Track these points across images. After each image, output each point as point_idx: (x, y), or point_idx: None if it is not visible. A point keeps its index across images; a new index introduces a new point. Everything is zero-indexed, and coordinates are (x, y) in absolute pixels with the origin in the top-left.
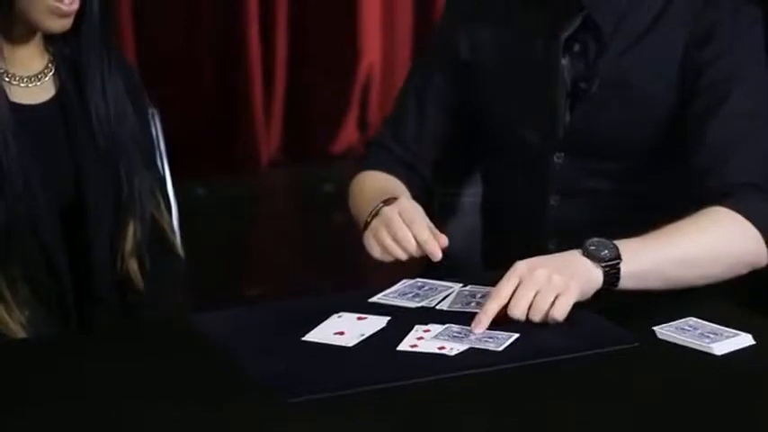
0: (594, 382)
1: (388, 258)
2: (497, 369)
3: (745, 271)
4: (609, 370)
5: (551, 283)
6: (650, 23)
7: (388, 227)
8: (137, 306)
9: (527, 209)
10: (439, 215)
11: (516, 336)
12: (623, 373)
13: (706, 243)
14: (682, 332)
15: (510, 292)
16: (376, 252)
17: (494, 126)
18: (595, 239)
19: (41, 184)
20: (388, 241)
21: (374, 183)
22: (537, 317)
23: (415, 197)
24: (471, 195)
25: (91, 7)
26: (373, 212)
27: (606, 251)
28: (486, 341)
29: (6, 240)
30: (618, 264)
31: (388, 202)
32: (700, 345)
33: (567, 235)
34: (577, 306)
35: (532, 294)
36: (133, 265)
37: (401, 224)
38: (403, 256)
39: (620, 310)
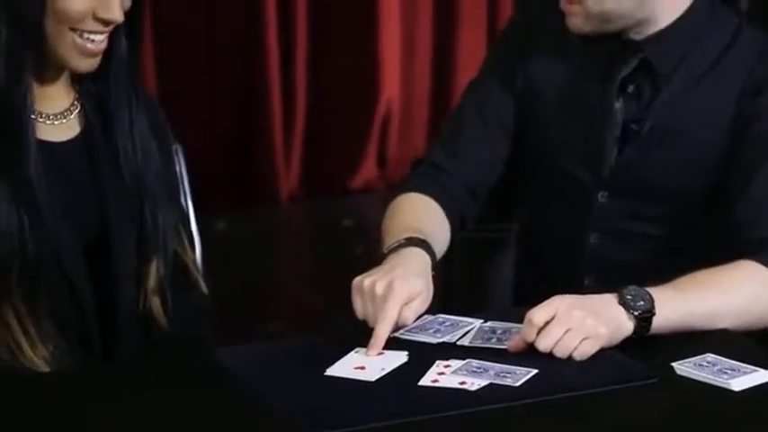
0: (613, 418)
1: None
2: (517, 404)
3: (764, 327)
4: (627, 406)
5: (583, 326)
6: (706, 70)
7: (373, 295)
8: (159, 342)
9: (566, 244)
10: (466, 252)
11: (535, 371)
12: (642, 408)
13: (734, 302)
14: (700, 368)
15: (543, 322)
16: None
17: (543, 158)
18: (633, 288)
19: (67, 220)
20: (361, 309)
21: (409, 210)
22: (560, 353)
23: (457, 226)
24: (501, 232)
25: (119, 46)
26: (391, 247)
27: (642, 302)
28: (505, 376)
29: (32, 275)
30: (651, 316)
31: (409, 241)
32: (718, 381)
33: (604, 272)
34: None
35: (563, 332)
36: (156, 302)
37: (380, 301)
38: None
39: (638, 346)
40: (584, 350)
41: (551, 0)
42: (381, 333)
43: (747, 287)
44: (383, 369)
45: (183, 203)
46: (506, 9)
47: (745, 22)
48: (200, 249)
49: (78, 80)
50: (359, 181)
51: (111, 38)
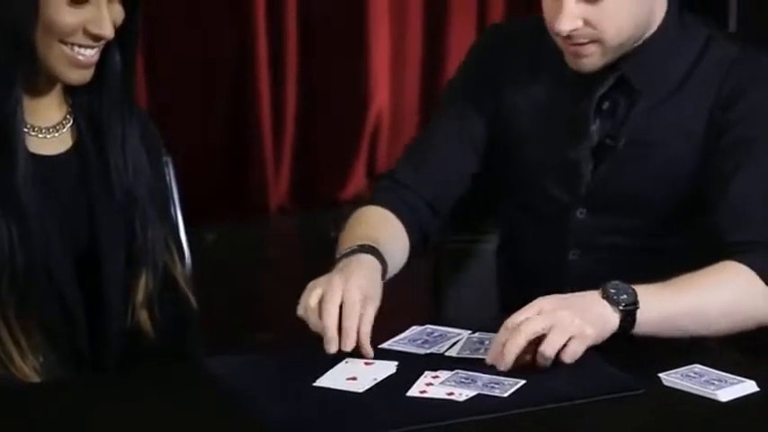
0: (600, 429)
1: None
2: (505, 415)
3: (752, 327)
4: (615, 416)
5: (571, 325)
6: (678, 83)
7: (326, 290)
8: (148, 354)
9: (546, 261)
10: (452, 261)
11: (522, 382)
12: (629, 419)
13: (719, 299)
14: (687, 379)
15: (522, 321)
16: (301, 312)
17: (519, 177)
18: (616, 282)
19: (58, 233)
20: (312, 303)
21: (367, 221)
22: (547, 351)
23: (416, 240)
24: (487, 242)
25: (112, 60)
26: (342, 254)
27: (625, 296)
28: (493, 387)
29: (23, 287)
30: (635, 310)
31: (361, 249)
32: (705, 391)
33: (585, 289)
34: (587, 350)
35: (547, 327)
36: (144, 315)
37: (335, 301)
38: (314, 325)
39: (625, 357)
40: (573, 350)
41: (519, 23)
42: (503, 339)
43: (732, 286)
44: (375, 379)
45: (173, 216)
46: (497, 20)
47: (715, 32)
48: (190, 260)
49: (71, 93)
50: (348, 192)
51: (105, 52)
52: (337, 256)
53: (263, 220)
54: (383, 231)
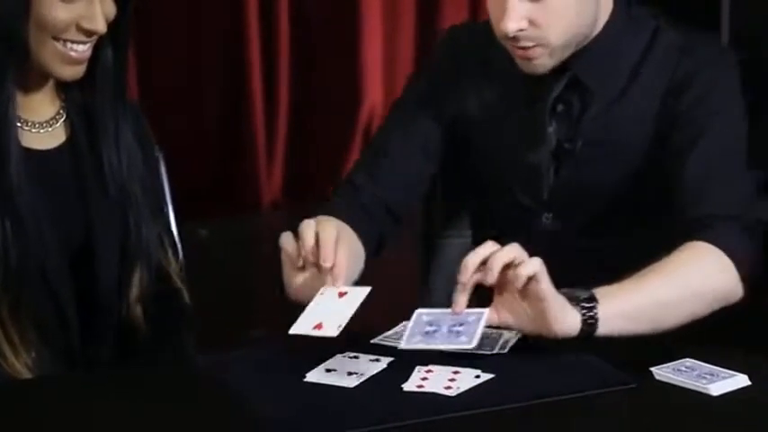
0: (592, 423)
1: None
2: (497, 410)
3: (722, 305)
4: (607, 411)
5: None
6: (629, 79)
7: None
8: (141, 350)
9: None
10: (431, 257)
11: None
12: (621, 413)
13: (685, 282)
14: (679, 373)
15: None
16: (288, 243)
17: (482, 184)
18: (565, 290)
19: (51, 228)
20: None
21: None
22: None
23: (373, 246)
24: (465, 237)
25: (105, 56)
26: None
27: (579, 293)
28: (459, 334)
29: (16, 284)
30: (594, 306)
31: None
32: (696, 385)
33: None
34: (575, 348)
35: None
36: (138, 312)
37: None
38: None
39: (617, 352)
40: (526, 269)
41: (473, 27)
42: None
43: (697, 266)
44: (362, 375)
45: (166, 211)
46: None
47: (662, 21)
48: (183, 256)
49: (64, 88)
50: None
51: (97, 47)
52: None
53: (256, 215)
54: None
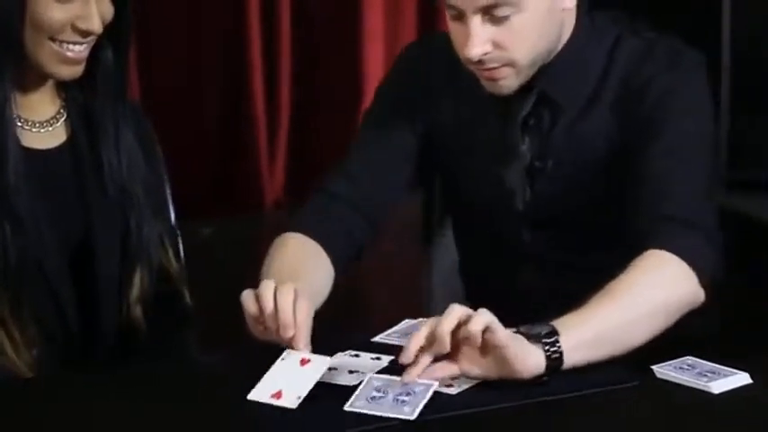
0: (594, 422)
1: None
2: (497, 408)
3: (684, 312)
4: (608, 409)
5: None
6: (594, 90)
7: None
8: (141, 350)
9: (499, 280)
10: (431, 254)
11: (434, 386)
12: (622, 412)
13: (648, 298)
14: (680, 371)
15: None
16: (250, 303)
17: (459, 201)
18: (525, 325)
19: (51, 228)
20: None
21: (286, 255)
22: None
23: (345, 260)
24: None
25: (105, 57)
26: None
27: (539, 329)
28: (404, 402)
29: (17, 282)
30: (557, 340)
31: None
32: (697, 384)
33: (538, 306)
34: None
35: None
36: (138, 312)
37: (270, 288)
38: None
39: None
40: (478, 321)
41: (433, 43)
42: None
43: (655, 278)
44: (363, 373)
45: (168, 211)
46: None
47: (624, 28)
48: (185, 255)
49: (65, 88)
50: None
51: (97, 47)
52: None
53: (258, 214)
54: (303, 264)
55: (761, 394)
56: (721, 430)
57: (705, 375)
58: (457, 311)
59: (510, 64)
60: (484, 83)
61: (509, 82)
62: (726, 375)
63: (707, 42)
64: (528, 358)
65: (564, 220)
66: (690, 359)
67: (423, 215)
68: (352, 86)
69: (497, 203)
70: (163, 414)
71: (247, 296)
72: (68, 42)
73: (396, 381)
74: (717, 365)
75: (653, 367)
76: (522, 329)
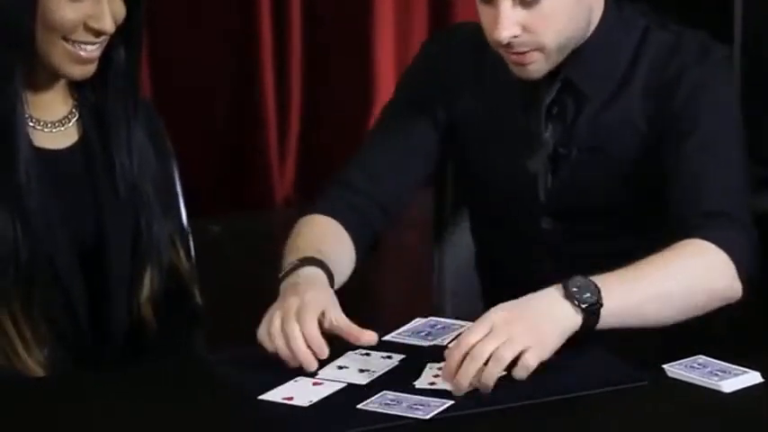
0: (604, 420)
1: (274, 350)
2: (507, 407)
3: (720, 304)
4: (618, 408)
5: (523, 336)
6: (621, 80)
7: (283, 319)
8: (152, 349)
9: (519, 271)
10: (442, 250)
11: (449, 403)
12: (633, 411)
13: (682, 277)
14: (691, 370)
15: (475, 342)
16: (266, 344)
17: (480, 190)
18: (578, 279)
19: (63, 227)
20: (279, 341)
21: (312, 232)
22: (495, 368)
23: (365, 243)
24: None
25: (117, 56)
26: (287, 271)
27: (588, 294)
28: (417, 409)
29: (28, 281)
30: (599, 308)
31: (304, 262)
32: (708, 383)
33: None
34: (583, 343)
35: (496, 346)
36: (148, 311)
37: (292, 320)
38: (288, 356)
39: (629, 349)
40: (527, 363)
41: (460, 31)
42: (454, 360)
43: (696, 263)
44: (374, 372)
45: (178, 210)
46: None
47: (652, 21)
48: (194, 253)
49: (78, 88)
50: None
51: (109, 47)
52: (280, 275)
53: (268, 212)
54: (327, 242)
55: None
56: (732, 429)
57: (716, 374)
58: (466, 341)
59: (539, 48)
60: (512, 67)
61: (537, 66)
62: (737, 374)
63: (719, 39)
64: (566, 328)
65: (584, 209)
66: (701, 358)
67: (434, 214)
68: (362, 86)
69: (519, 191)
70: (172, 413)
71: (263, 337)
72: (81, 42)
73: (409, 396)
74: (728, 364)
75: (664, 366)
76: (571, 288)
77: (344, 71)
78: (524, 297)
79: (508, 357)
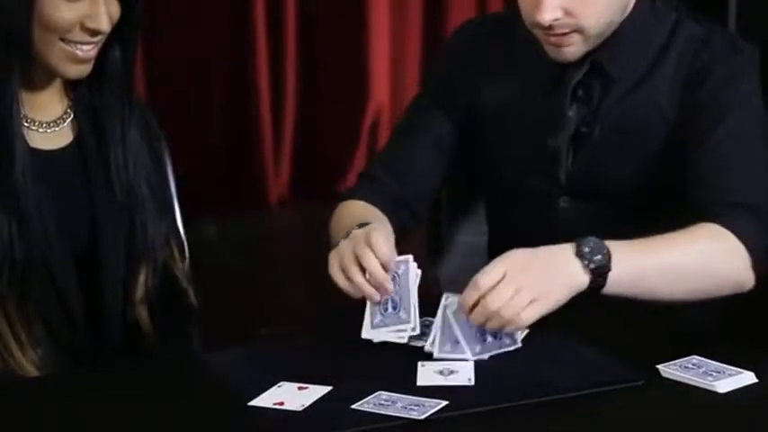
0: (599, 420)
1: (348, 287)
2: (501, 407)
3: (730, 291)
4: (613, 408)
5: (535, 286)
6: (650, 68)
7: (355, 248)
8: (146, 350)
9: None
10: (439, 253)
11: (444, 403)
12: (628, 411)
13: (695, 255)
14: (685, 370)
15: (489, 287)
16: (339, 279)
17: (499, 171)
18: (591, 240)
19: (57, 228)
20: (352, 267)
21: (354, 211)
22: (508, 313)
23: (397, 231)
24: (474, 234)
25: (112, 56)
26: (345, 235)
27: (599, 257)
28: (411, 409)
29: (23, 282)
30: (607, 271)
31: (362, 226)
32: (703, 383)
33: None
34: (579, 343)
35: (512, 293)
36: (143, 312)
37: (365, 247)
38: (363, 284)
39: (624, 349)
40: (530, 316)
41: (487, 19)
42: (470, 300)
43: (710, 243)
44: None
45: (173, 210)
46: None
47: (683, 14)
48: (189, 253)
49: (73, 87)
50: (348, 185)
51: (105, 46)
52: (336, 243)
53: (263, 212)
54: (372, 215)
55: (766, 393)
56: (727, 429)
57: (711, 374)
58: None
59: (579, 30)
60: (548, 49)
61: (575, 48)
62: (731, 374)
63: None
64: (573, 286)
65: (603, 191)
66: (695, 358)
67: (427, 229)
68: (357, 85)
69: (539, 170)
70: (167, 413)
71: (337, 276)
72: (78, 42)
73: (403, 397)
74: (722, 365)
75: (658, 366)
76: (583, 248)
77: (339, 71)
78: (540, 248)
79: (512, 315)
